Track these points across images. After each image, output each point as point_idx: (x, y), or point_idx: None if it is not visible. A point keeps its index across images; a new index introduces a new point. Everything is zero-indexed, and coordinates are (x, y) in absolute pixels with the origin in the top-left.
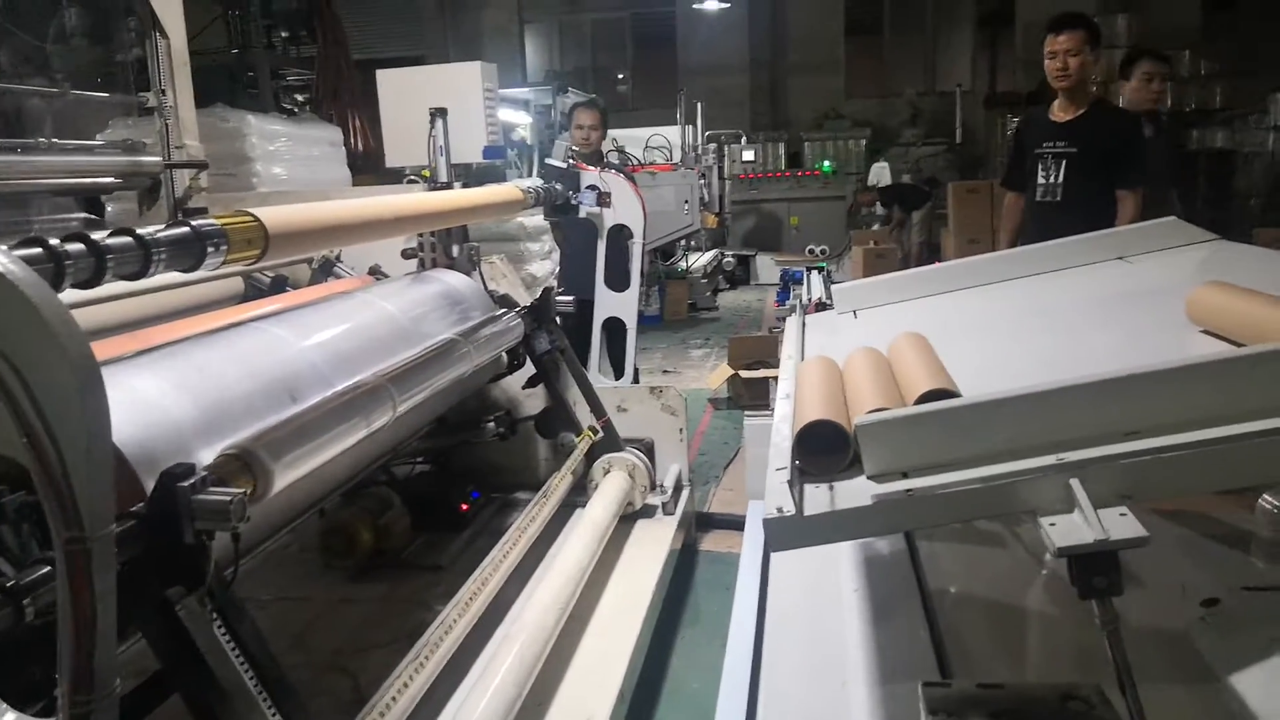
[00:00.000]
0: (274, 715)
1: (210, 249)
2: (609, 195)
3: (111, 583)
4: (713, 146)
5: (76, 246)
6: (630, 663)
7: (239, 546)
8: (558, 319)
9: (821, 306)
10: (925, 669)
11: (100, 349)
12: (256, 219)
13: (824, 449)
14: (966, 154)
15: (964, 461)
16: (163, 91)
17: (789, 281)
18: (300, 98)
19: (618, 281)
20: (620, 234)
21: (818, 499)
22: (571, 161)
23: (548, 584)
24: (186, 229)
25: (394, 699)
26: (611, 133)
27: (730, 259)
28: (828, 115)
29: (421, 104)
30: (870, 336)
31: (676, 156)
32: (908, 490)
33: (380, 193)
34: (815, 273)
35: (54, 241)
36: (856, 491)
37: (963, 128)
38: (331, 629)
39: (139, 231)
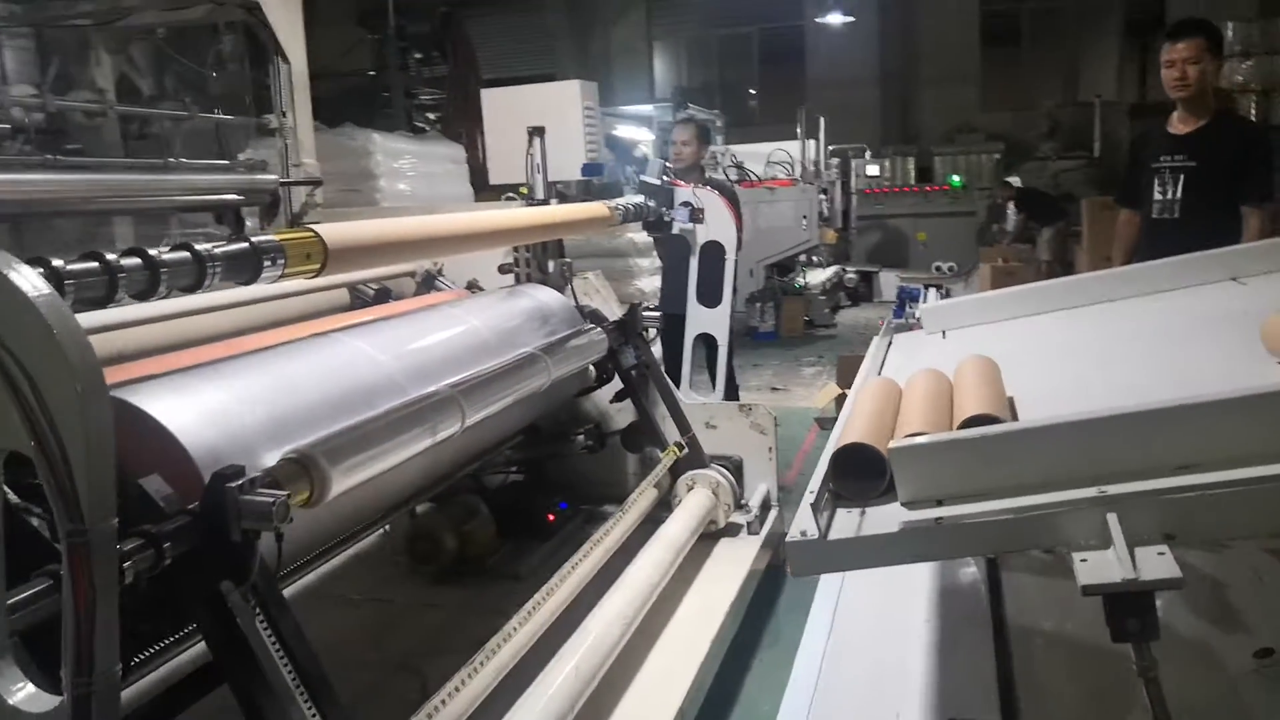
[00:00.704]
0: (309, 708)
1: (267, 263)
2: (702, 211)
3: (112, 574)
4: (835, 161)
5: (133, 261)
6: (694, 681)
7: (303, 545)
8: (645, 334)
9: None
10: (988, 708)
11: (194, 355)
12: (316, 235)
13: (864, 473)
14: (1106, 168)
15: (1000, 491)
16: (283, 113)
17: (905, 299)
18: (432, 116)
19: (710, 297)
20: (713, 250)
21: (847, 524)
22: (666, 179)
23: (614, 597)
24: (245, 244)
25: (442, 704)
26: (733, 148)
27: (852, 275)
28: (960, 129)
29: (524, 122)
30: (950, 358)
31: (798, 171)
32: (936, 519)
33: (479, 209)
34: (933, 290)
35: (111, 257)
36: (887, 518)
37: (1103, 140)
38: (410, 631)
39: (196, 247)
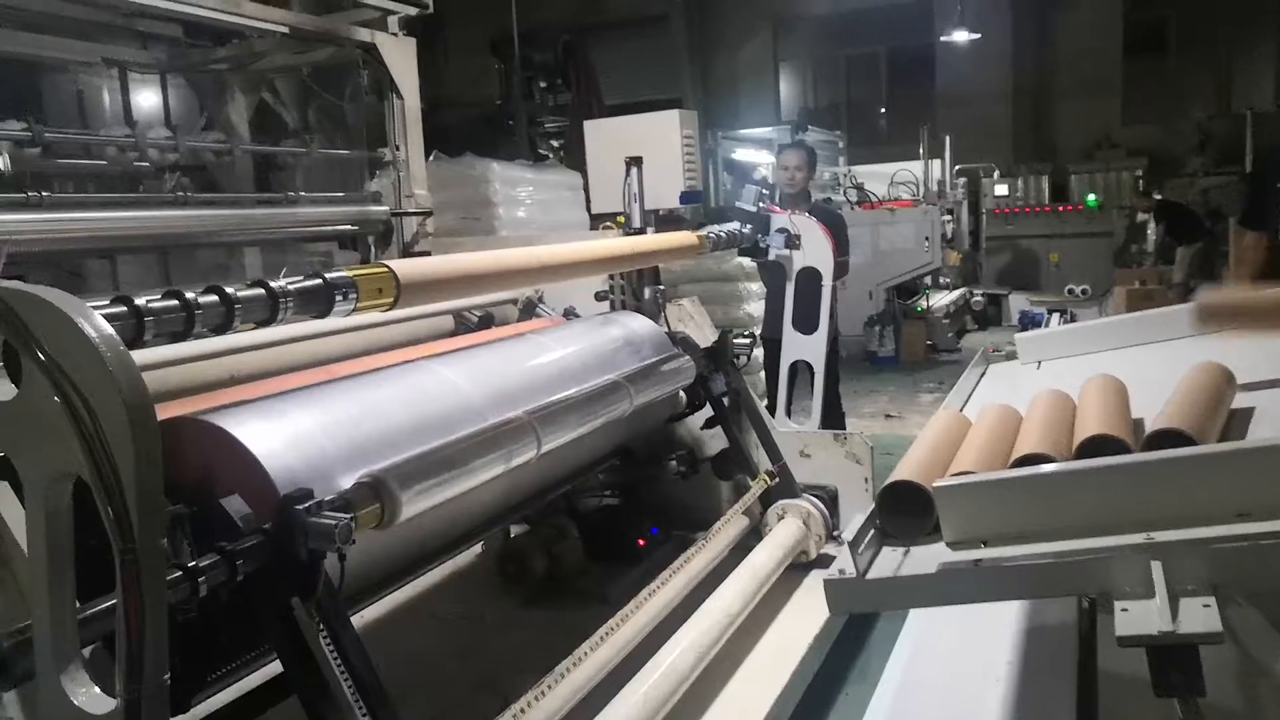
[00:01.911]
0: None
1: (339, 298)
2: (798, 238)
3: (161, 589)
4: (962, 181)
5: (210, 299)
6: (769, 713)
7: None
8: (736, 361)
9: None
10: None
11: (290, 381)
12: (389, 270)
13: (914, 511)
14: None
15: (1045, 533)
16: (397, 147)
17: (1028, 324)
18: (555, 143)
19: (807, 324)
20: (810, 277)
21: (889, 563)
22: (762, 205)
23: (691, 626)
24: (318, 280)
25: None
26: (855, 169)
27: (979, 298)
28: (1099, 144)
29: (625, 152)
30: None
31: (922, 192)
32: (975, 561)
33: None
34: (1056, 315)
35: (190, 295)
36: (929, 558)
37: (1256, 154)
38: (496, 650)
39: (271, 284)
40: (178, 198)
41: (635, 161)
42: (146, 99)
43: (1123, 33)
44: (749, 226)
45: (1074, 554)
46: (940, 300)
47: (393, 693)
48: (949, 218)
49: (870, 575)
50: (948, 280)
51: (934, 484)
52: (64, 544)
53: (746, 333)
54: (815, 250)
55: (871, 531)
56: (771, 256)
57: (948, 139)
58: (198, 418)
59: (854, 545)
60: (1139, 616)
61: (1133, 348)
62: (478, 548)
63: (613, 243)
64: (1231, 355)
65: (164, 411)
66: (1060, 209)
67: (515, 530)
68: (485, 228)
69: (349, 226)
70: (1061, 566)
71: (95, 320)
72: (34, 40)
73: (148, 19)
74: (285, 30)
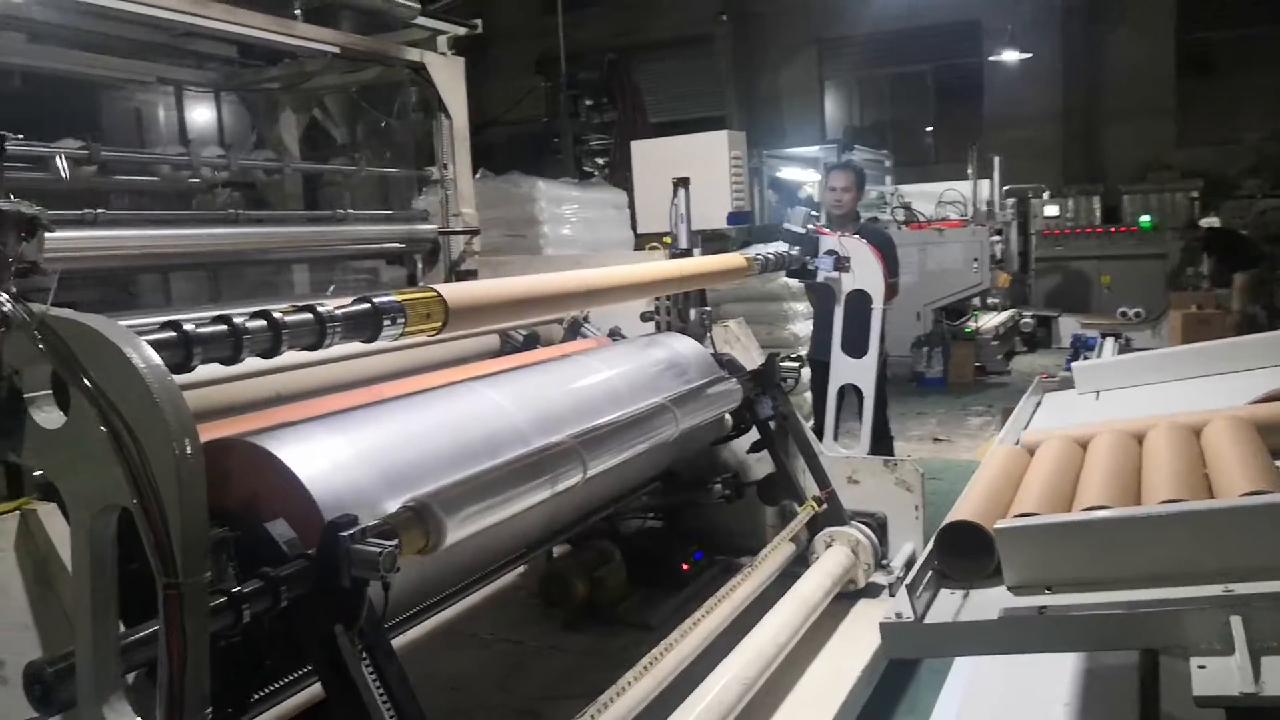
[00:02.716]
0: None
1: (387, 322)
2: (848, 260)
3: (203, 623)
4: (1011, 201)
5: (258, 324)
6: None
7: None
8: (784, 384)
9: None
10: None
11: (337, 402)
12: (437, 294)
13: (973, 551)
14: None
15: (1115, 581)
16: (444, 165)
17: (1080, 348)
18: (601, 161)
19: (856, 347)
20: (860, 299)
21: (948, 607)
22: (811, 227)
23: (738, 655)
24: (367, 305)
25: None
26: (903, 188)
27: (1029, 320)
28: (1151, 166)
29: (673, 172)
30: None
31: (970, 212)
32: (1040, 608)
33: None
34: (1110, 340)
35: (239, 320)
36: (990, 603)
37: None
38: (536, 674)
39: (319, 308)
40: (228, 215)
41: (682, 182)
42: (201, 115)
43: (1175, 52)
44: (797, 248)
45: (1146, 604)
46: (989, 321)
47: (426, 713)
48: (998, 238)
49: (929, 619)
50: (996, 301)
51: (996, 525)
52: (107, 573)
53: (794, 355)
54: (865, 273)
55: (930, 573)
56: (820, 279)
57: (996, 159)
58: (243, 439)
59: (912, 588)
60: (1218, 675)
61: (1194, 379)
62: (520, 569)
63: (659, 266)
64: None
65: (210, 432)
66: (1112, 230)
67: (557, 552)
68: (530, 246)
69: (397, 245)
70: (1133, 618)
71: (143, 350)
72: (93, 60)
73: (204, 39)
74: (336, 50)
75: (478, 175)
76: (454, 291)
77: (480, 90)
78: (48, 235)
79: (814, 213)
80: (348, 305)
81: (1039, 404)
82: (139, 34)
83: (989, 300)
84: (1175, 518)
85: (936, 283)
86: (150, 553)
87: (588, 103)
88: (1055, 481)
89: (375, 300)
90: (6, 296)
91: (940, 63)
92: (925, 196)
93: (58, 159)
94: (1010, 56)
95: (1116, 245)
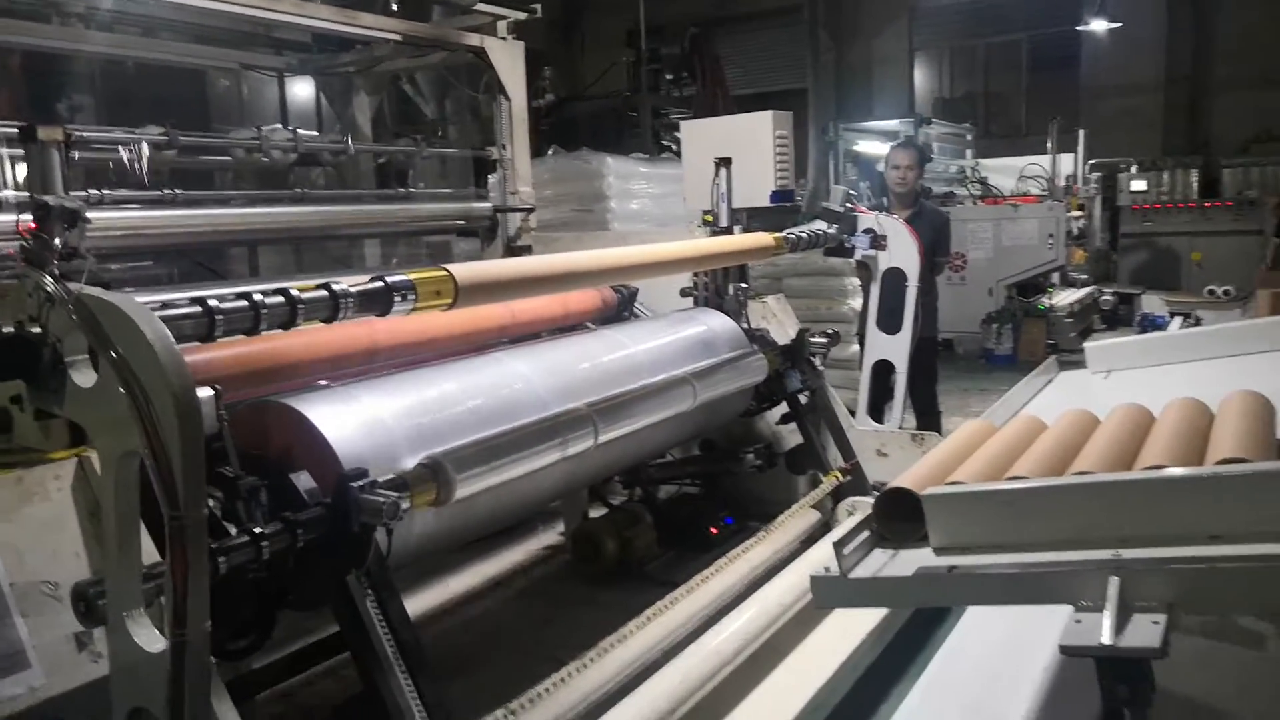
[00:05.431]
0: (406, 680)
1: (398, 299)
2: (884, 239)
3: (203, 550)
4: (1096, 175)
5: (276, 299)
6: (810, 703)
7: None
8: (814, 359)
9: None
10: None
11: (373, 369)
12: (448, 273)
13: (911, 516)
14: None
15: (1024, 545)
16: (503, 146)
17: (1148, 327)
18: (679, 135)
19: (891, 324)
20: (896, 277)
21: (874, 564)
22: (850, 206)
23: (742, 612)
24: (380, 283)
25: (536, 699)
26: (987, 162)
27: (1109, 297)
28: (1259, 137)
29: (719, 152)
30: (1105, 402)
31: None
32: (950, 567)
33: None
34: (1179, 319)
35: (258, 296)
36: (914, 561)
37: None
38: (566, 626)
39: (334, 285)
40: (296, 194)
41: (725, 162)
42: (297, 94)
43: None
44: (834, 226)
45: (1039, 565)
46: (1064, 299)
47: (458, 657)
48: (1080, 213)
49: (854, 574)
50: (1083, 278)
51: (923, 493)
52: (131, 510)
53: (830, 330)
54: (901, 251)
55: (865, 533)
56: (858, 256)
57: (1082, 133)
58: (278, 400)
59: (840, 545)
60: (1088, 628)
61: (1209, 360)
62: (559, 527)
63: (677, 246)
64: None
65: (256, 392)
66: (1206, 205)
67: (592, 514)
68: (599, 221)
69: (457, 221)
70: (1028, 577)
71: (154, 324)
72: (184, 49)
73: (282, 29)
74: (398, 38)
75: (550, 151)
76: (464, 270)
77: (570, 65)
78: (140, 214)
79: (853, 192)
80: (360, 284)
81: (1049, 381)
82: (226, 23)
83: (1071, 277)
84: (1074, 488)
85: (1010, 258)
86: (158, 491)
87: (668, 77)
88: (1000, 455)
89: (388, 279)
90: (50, 278)
91: (1037, 31)
92: (1009, 170)
93: (137, 146)
94: (1100, 26)
95: (1211, 221)
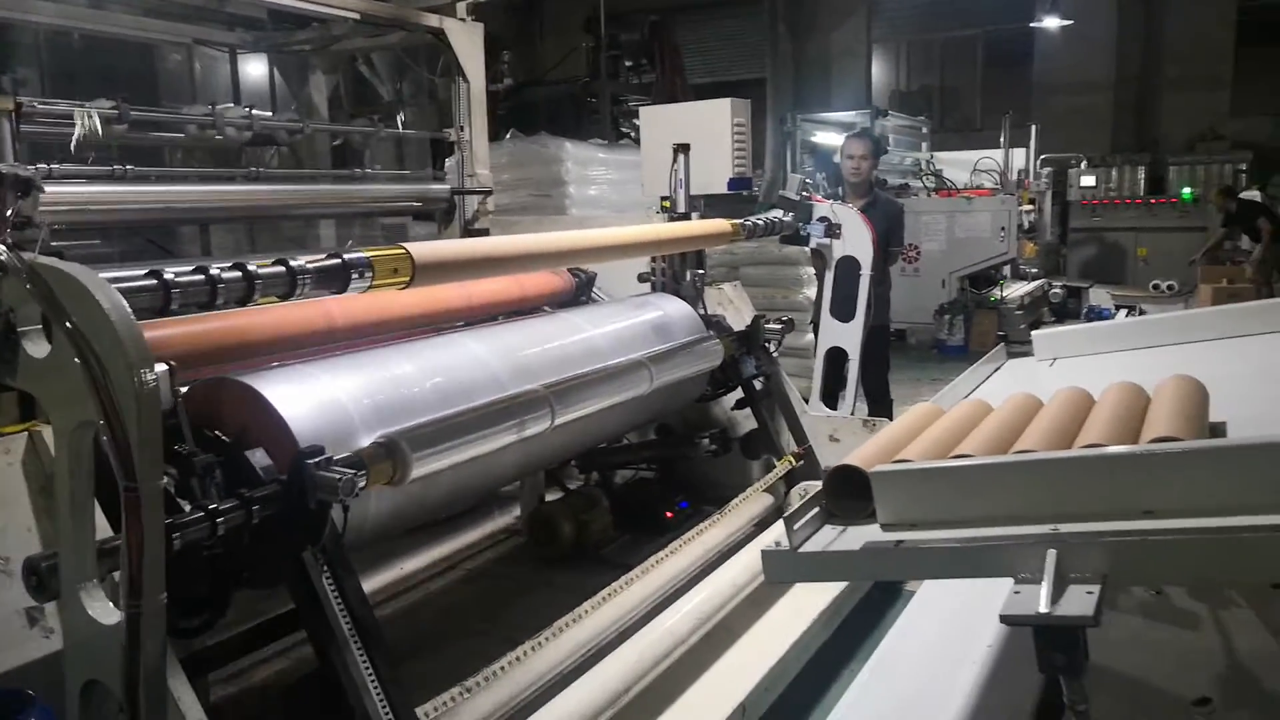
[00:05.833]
0: (361, 654)
1: (355, 276)
2: (839, 227)
3: (159, 522)
4: (1046, 171)
5: (233, 275)
6: (762, 681)
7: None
8: (769, 345)
9: None
10: None
11: (343, 347)
12: (406, 251)
13: (860, 494)
14: None
15: (968, 521)
16: (461, 128)
17: (1094, 319)
18: (636, 123)
19: (844, 312)
20: (849, 265)
21: (823, 539)
22: (806, 195)
23: (696, 593)
24: (337, 260)
25: (491, 678)
26: (942, 155)
27: (1058, 290)
28: (1203, 136)
29: (678, 138)
30: (1048, 388)
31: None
32: (896, 542)
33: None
34: (1124, 311)
35: (214, 270)
36: (863, 537)
37: None
38: (524, 607)
39: (291, 262)
40: (251, 172)
41: (683, 149)
42: (250, 72)
43: (1236, 22)
44: (790, 215)
45: (980, 540)
46: (1015, 291)
47: (414, 637)
48: (1030, 208)
49: (804, 549)
50: (1030, 271)
51: (871, 470)
52: (85, 483)
53: (785, 318)
54: (855, 239)
55: (815, 509)
56: (813, 244)
57: (1034, 128)
58: (234, 378)
59: (791, 520)
60: (1026, 599)
61: (1149, 349)
62: (515, 511)
63: (640, 230)
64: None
65: (211, 371)
66: (1152, 201)
67: (548, 497)
68: (557, 206)
69: (414, 203)
70: (970, 551)
71: (111, 295)
72: (136, 23)
73: (236, 4)
74: (356, 16)
75: (508, 135)
76: (421, 249)
77: (529, 50)
78: (88, 189)
79: (809, 181)
80: (319, 260)
81: (997, 368)
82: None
83: (1021, 270)
84: (1016, 466)
85: (962, 251)
86: (114, 462)
87: (628, 64)
88: (946, 435)
89: (345, 256)
90: (3, 246)
91: (992, 27)
92: (963, 164)
93: (86, 118)
94: (1053, 24)
95: (1156, 217)
